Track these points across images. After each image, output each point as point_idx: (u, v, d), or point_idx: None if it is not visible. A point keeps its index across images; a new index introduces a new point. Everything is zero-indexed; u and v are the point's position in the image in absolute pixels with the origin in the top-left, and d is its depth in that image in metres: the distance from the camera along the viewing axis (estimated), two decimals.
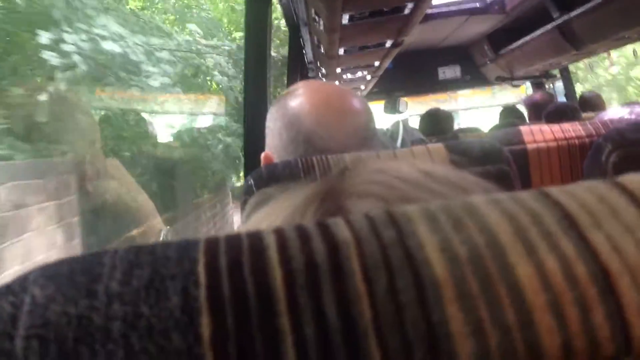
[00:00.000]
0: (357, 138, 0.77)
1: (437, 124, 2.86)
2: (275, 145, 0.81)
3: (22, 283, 0.17)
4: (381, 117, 4.32)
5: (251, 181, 0.68)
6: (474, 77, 4.19)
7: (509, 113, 3.27)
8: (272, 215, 0.29)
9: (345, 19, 1.78)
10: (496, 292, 0.16)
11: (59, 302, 0.16)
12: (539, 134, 1.19)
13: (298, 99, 0.80)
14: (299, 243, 0.18)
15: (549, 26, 2.75)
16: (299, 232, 0.18)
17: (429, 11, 2.74)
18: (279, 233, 0.18)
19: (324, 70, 3.13)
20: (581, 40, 2.65)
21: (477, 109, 6.82)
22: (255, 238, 0.18)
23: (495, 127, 2.80)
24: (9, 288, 0.17)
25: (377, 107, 4.31)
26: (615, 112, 2.01)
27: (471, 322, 0.16)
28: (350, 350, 0.16)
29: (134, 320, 0.16)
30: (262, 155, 0.83)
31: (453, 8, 3.13)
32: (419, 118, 3.08)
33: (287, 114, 0.79)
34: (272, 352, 0.16)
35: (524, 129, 1.23)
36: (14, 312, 0.16)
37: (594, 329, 0.16)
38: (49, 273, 0.17)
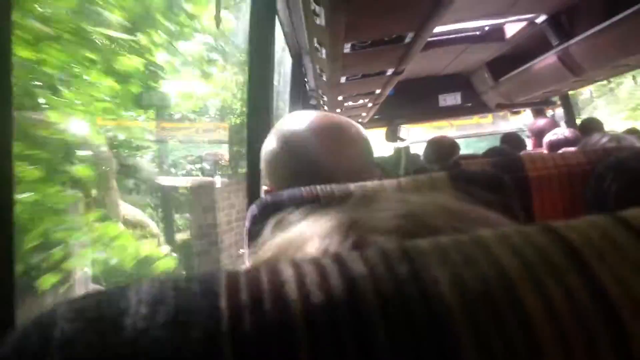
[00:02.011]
0: (359, 164, 0.78)
1: (441, 152, 2.90)
2: (277, 178, 0.80)
3: (51, 317, 0.18)
4: (382, 144, 4.34)
5: (256, 211, 0.68)
6: (475, 104, 4.21)
7: (509, 140, 3.28)
8: (294, 243, 0.29)
9: (347, 48, 1.80)
10: (506, 324, 0.17)
11: (88, 336, 0.17)
12: (540, 162, 1.19)
13: (297, 131, 0.80)
14: (317, 279, 0.18)
15: (548, 54, 2.77)
16: (316, 266, 0.19)
17: (430, 40, 2.76)
18: (297, 268, 0.19)
19: (325, 98, 3.15)
20: (580, 67, 2.66)
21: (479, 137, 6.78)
22: (274, 273, 0.18)
23: (489, 151, 2.81)
24: (38, 323, 0.18)
25: (378, 134, 4.33)
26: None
27: (483, 352, 0.16)
28: None
29: (159, 354, 0.16)
30: (263, 192, 0.83)
31: (453, 37, 3.17)
32: (425, 145, 3.11)
33: (289, 148, 0.79)
34: None
35: (525, 156, 1.23)
36: (45, 346, 0.17)
37: (600, 356, 0.16)
38: (76, 307, 0.18)
